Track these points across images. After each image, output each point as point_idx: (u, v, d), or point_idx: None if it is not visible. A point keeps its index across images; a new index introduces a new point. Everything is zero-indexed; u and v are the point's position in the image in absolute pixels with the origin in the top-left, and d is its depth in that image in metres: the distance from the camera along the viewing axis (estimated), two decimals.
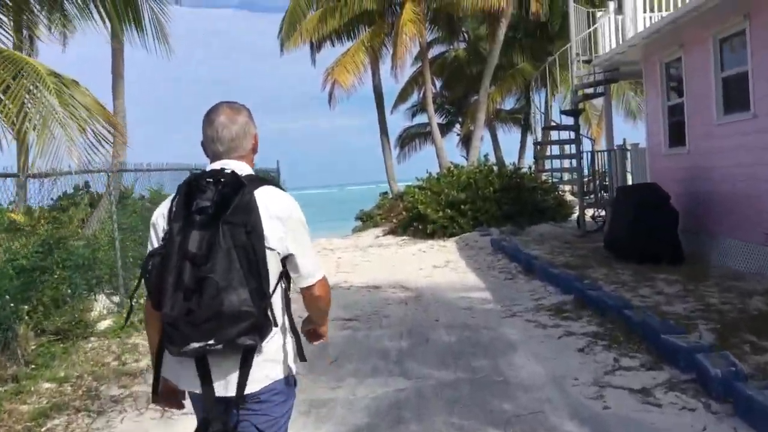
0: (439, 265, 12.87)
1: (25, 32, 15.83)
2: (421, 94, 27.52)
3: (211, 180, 2.37)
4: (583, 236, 14.79)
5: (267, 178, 3.41)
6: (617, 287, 9.12)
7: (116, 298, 9.53)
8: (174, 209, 2.40)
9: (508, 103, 32.12)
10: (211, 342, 2.28)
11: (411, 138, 33.15)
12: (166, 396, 2.66)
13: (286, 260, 2.48)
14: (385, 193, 24.96)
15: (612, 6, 15.11)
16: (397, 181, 25.62)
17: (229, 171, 2.42)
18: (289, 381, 2.56)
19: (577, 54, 14.88)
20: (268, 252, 2.37)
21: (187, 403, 2.67)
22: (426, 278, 11.40)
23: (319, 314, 2.75)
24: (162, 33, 14.13)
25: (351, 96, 22.48)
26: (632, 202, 10.78)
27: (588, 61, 14.84)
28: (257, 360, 2.42)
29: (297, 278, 2.53)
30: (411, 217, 18.03)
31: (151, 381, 2.66)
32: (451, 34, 26.38)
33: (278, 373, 2.49)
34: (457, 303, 9.12)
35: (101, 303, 9.03)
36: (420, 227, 17.43)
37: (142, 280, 2.43)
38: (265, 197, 2.42)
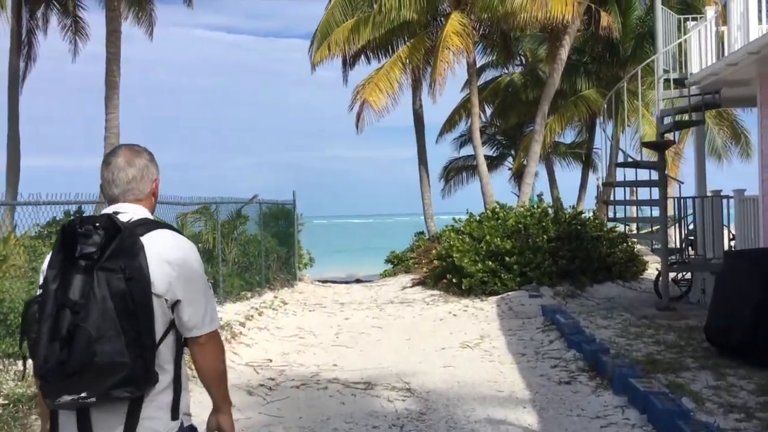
0: (469, 343, 9.48)
1: None
2: (469, 122, 24.24)
3: (97, 225, 2.25)
4: (666, 309, 11.22)
5: (163, 222, 2.84)
6: (740, 419, 5.67)
7: None
8: (52, 256, 2.29)
9: (568, 136, 28.64)
10: (83, 395, 2.17)
11: (457, 171, 29.82)
12: None
13: (174, 307, 2.35)
14: (421, 232, 21.65)
15: (711, 13, 11.68)
16: (438, 218, 22.30)
17: (110, 215, 2.33)
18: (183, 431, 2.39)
19: (665, 70, 11.43)
20: (154, 299, 2.28)
21: None
22: (446, 369, 8.02)
23: (209, 377, 2.48)
24: None
25: (386, 123, 19.44)
26: (757, 277, 7.27)
27: (679, 81, 11.38)
28: (145, 414, 2.29)
29: (180, 328, 2.38)
30: (444, 267, 14.68)
31: None
32: (506, 57, 23.15)
33: (170, 428, 2.35)
34: None
35: None
36: (454, 281, 14.06)
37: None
38: (156, 241, 2.34)
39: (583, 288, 13.72)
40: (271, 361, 8.26)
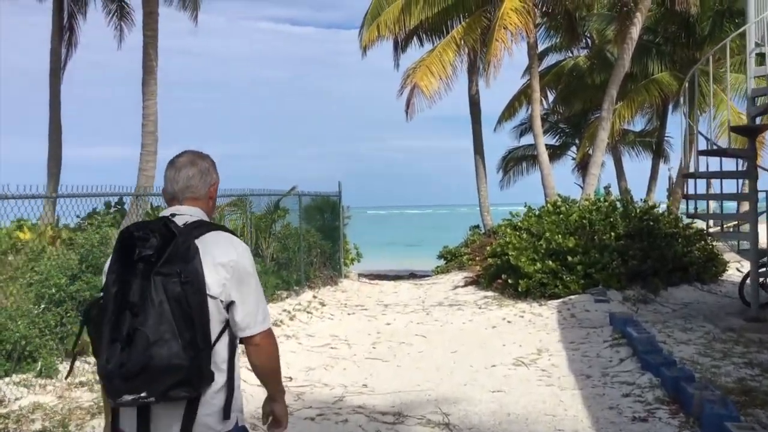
0: (524, 359, 8.19)
1: None
2: (529, 109, 22.69)
3: (153, 230, 2.35)
4: (756, 320, 9.69)
5: (218, 224, 2.69)
6: None
7: None
8: (111, 260, 2.38)
9: (638, 124, 26.74)
10: (143, 395, 2.25)
11: (516, 161, 28.23)
12: None
13: (228, 308, 2.42)
14: (477, 226, 20.28)
15: None
16: (496, 209, 20.92)
17: (166, 220, 2.43)
18: (237, 430, 2.47)
19: (758, 44, 9.84)
20: (210, 301, 2.35)
21: None
22: (495, 396, 6.75)
23: (263, 374, 2.60)
24: None
25: (446, 112, 18.11)
26: None
27: None
28: (202, 412, 2.37)
29: (234, 328, 2.44)
30: (498, 266, 13.35)
31: None
32: (571, 38, 21.45)
33: (225, 426, 2.42)
34: None
35: None
36: (509, 281, 12.73)
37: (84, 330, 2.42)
38: (210, 244, 2.41)
39: (656, 292, 12.22)
40: (291, 379, 7.15)
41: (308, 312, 10.81)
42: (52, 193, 10.47)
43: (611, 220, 13.22)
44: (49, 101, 18.50)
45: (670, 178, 25.05)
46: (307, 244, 15.01)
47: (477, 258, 15.70)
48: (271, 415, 2.65)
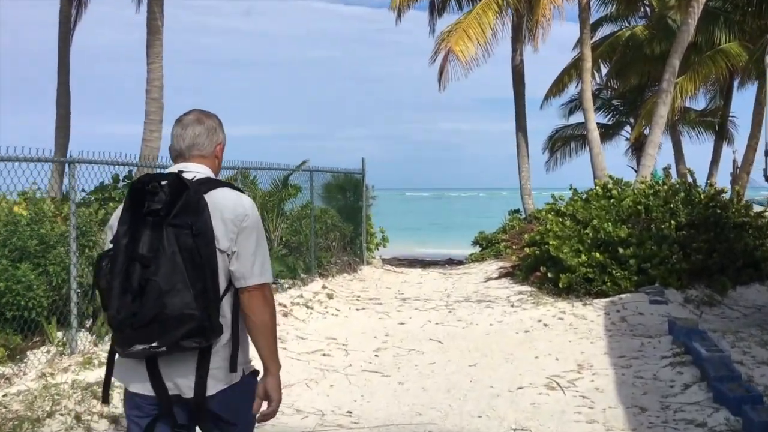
0: (560, 379, 6.48)
1: None
2: (579, 83, 20.65)
3: (164, 182, 2.36)
4: None
5: (225, 180, 2.71)
6: None
7: None
8: (122, 212, 2.40)
9: (698, 102, 24.42)
10: (154, 344, 2.27)
11: (564, 141, 26.12)
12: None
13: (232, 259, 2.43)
14: (516, 210, 18.43)
15: None
16: (540, 193, 19.09)
17: (177, 173, 2.44)
18: (248, 381, 2.50)
19: None
20: (218, 254, 2.38)
21: None
22: None
23: (255, 331, 2.49)
24: None
25: (500, 93, 16.28)
26: None
27: None
28: (213, 364, 2.39)
29: (233, 277, 2.44)
30: (537, 257, 11.58)
31: None
32: (627, 4, 19.37)
33: (233, 377, 2.44)
34: None
35: None
36: (549, 275, 10.95)
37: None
38: (218, 199, 2.44)
39: (723, 292, 10.33)
40: None
41: (308, 306, 9.24)
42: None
43: (671, 206, 11.31)
44: (57, 67, 17.21)
45: (734, 161, 22.74)
46: (324, 226, 13.47)
47: (514, 246, 13.92)
48: (264, 396, 2.51)
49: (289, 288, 10.22)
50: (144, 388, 2.41)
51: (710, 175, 22.91)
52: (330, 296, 10.29)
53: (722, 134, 22.91)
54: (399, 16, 18.74)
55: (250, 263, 2.45)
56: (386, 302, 10.57)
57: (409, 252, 26.89)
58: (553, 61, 27.30)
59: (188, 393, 2.38)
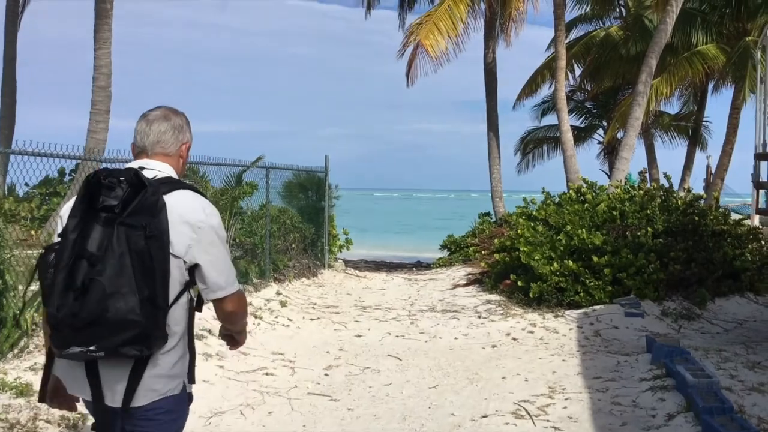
0: (529, 404, 5.77)
1: None
2: (553, 84, 20.05)
3: (122, 179, 2.24)
4: None
5: (187, 182, 2.54)
6: None
7: None
8: (74, 204, 2.27)
9: (672, 107, 24.00)
10: (92, 348, 2.16)
11: (537, 143, 25.53)
12: (56, 395, 2.45)
13: (194, 270, 2.35)
14: (487, 213, 17.77)
15: None
16: (510, 197, 18.43)
17: (136, 170, 2.32)
18: (182, 398, 2.40)
19: None
20: (172, 259, 2.26)
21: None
22: None
23: (232, 330, 2.62)
24: None
25: (476, 96, 15.63)
26: None
27: None
28: (149, 373, 2.29)
29: (204, 290, 2.40)
30: (506, 263, 10.91)
31: None
32: (604, 3, 18.79)
33: (170, 389, 2.34)
34: None
35: None
36: (519, 284, 10.29)
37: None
38: (178, 201, 2.32)
39: (702, 304, 9.76)
40: None
41: (257, 316, 8.44)
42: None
43: (648, 212, 10.72)
44: (4, 51, 16.22)
45: (708, 167, 22.45)
46: (282, 227, 12.68)
47: (484, 252, 13.26)
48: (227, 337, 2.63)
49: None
50: (84, 392, 2.31)
51: (683, 180, 22.47)
52: (283, 304, 9.50)
53: (696, 139, 22.51)
54: (368, 9, 18.03)
55: (226, 274, 2.37)
56: (344, 311, 9.81)
57: (377, 254, 26.20)
58: (526, 65, 26.78)
59: (118, 402, 2.27)
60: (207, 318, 7.10)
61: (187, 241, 2.29)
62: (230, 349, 2.73)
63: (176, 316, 2.32)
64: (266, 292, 10.02)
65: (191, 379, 2.41)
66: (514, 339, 8.32)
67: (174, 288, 2.28)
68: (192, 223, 2.31)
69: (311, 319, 9.02)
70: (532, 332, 8.60)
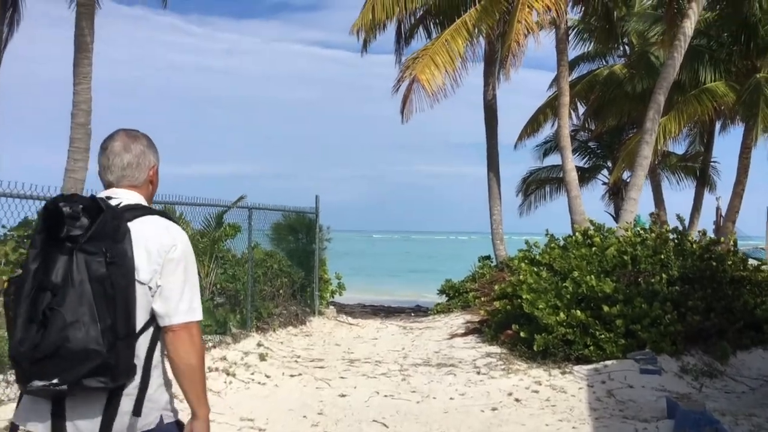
0: None
1: None
2: (555, 123, 19.39)
3: (83, 204, 2.14)
4: None
5: (156, 209, 2.45)
6: None
7: None
8: (33, 235, 2.20)
9: (678, 147, 23.27)
10: (54, 381, 2.06)
11: (540, 183, 24.79)
12: None
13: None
14: (487, 257, 16.92)
15: None
16: (512, 238, 17.58)
17: (94, 195, 2.26)
18: (163, 429, 2.28)
19: None
20: (137, 286, 2.19)
21: None
22: None
23: (181, 373, 2.29)
24: None
25: (478, 139, 14.94)
26: None
27: None
28: (124, 408, 2.18)
29: (157, 315, 2.25)
30: (508, 312, 10.05)
31: None
32: (607, 38, 18.17)
33: (147, 424, 2.23)
34: None
35: None
36: (522, 335, 9.40)
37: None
38: (144, 227, 2.27)
39: (723, 359, 8.86)
40: None
41: (229, 373, 7.55)
42: None
43: (662, 257, 9.88)
44: None
45: (718, 209, 21.61)
46: (269, 271, 11.87)
47: (484, 298, 12.39)
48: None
49: (214, 347, 8.53)
50: (42, 427, 2.15)
51: (691, 223, 21.61)
52: (263, 357, 8.62)
53: (704, 180, 21.73)
54: (365, 47, 17.42)
55: (176, 300, 2.25)
56: (330, 365, 8.91)
57: (374, 298, 25.32)
58: (527, 107, 26.23)
59: None
60: None
61: (152, 267, 2.22)
62: None
63: (147, 345, 2.22)
64: (246, 343, 9.15)
65: (173, 409, 2.30)
66: (517, 400, 7.42)
67: (142, 316, 2.19)
68: (158, 248, 2.24)
69: (291, 376, 8.12)
70: (536, 392, 7.70)
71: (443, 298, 16.07)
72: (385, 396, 7.47)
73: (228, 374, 7.52)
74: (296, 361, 8.95)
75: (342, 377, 8.24)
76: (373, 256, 59.52)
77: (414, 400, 7.35)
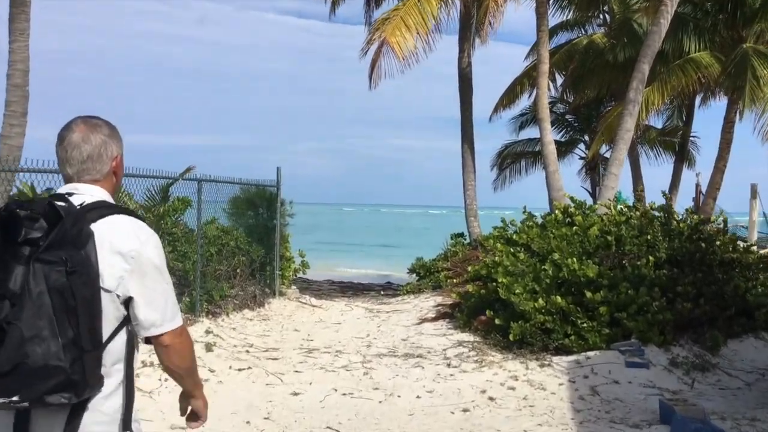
0: None
1: None
2: (533, 95, 18.52)
3: (38, 210, 2.00)
4: None
5: (122, 206, 2.33)
6: None
7: None
8: None
9: (657, 121, 22.54)
10: (15, 399, 1.92)
11: (515, 157, 23.95)
12: None
13: (127, 304, 2.10)
14: (460, 234, 16.10)
15: None
16: (488, 213, 16.84)
17: (50, 201, 2.07)
18: None
19: None
20: (103, 294, 2.03)
21: None
22: None
23: (177, 375, 2.26)
24: None
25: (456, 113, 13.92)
26: None
27: None
28: (89, 419, 2.04)
29: (136, 326, 2.12)
30: (481, 296, 9.24)
31: None
32: (588, 7, 17.29)
33: None
34: None
35: None
36: (497, 321, 8.60)
37: None
38: (109, 228, 2.08)
39: (715, 350, 8.16)
40: None
41: None
42: None
43: (648, 237, 9.11)
44: None
45: (697, 185, 21.00)
46: (224, 249, 10.93)
47: (456, 279, 11.57)
48: (189, 409, 2.36)
49: None
50: None
51: (668, 199, 21.00)
52: (210, 347, 7.73)
53: (683, 156, 21.03)
54: (333, 9, 16.41)
55: (162, 309, 2.11)
56: (285, 355, 8.05)
57: (344, 273, 24.49)
58: (502, 82, 25.30)
59: None
60: None
61: (118, 273, 2.05)
62: (190, 425, 2.37)
63: (113, 356, 2.06)
64: (193, 330, 8.22)
65: (126, 425, 2.09)
66: (491, 399, 6.62)
67: (109, 325, 2.04)
68: (124, 253, 2.07)
69: (239, 370, 7.23)
70: (513, 389, 6.91)
71: (414, 278, 15.26)
72: (344, 394, 6.63)
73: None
74: (247, 351, 8.06)
75: (297, 371, 7.37)
76: (342, 230, 58.70)
77: (376, 399, 6.52)
